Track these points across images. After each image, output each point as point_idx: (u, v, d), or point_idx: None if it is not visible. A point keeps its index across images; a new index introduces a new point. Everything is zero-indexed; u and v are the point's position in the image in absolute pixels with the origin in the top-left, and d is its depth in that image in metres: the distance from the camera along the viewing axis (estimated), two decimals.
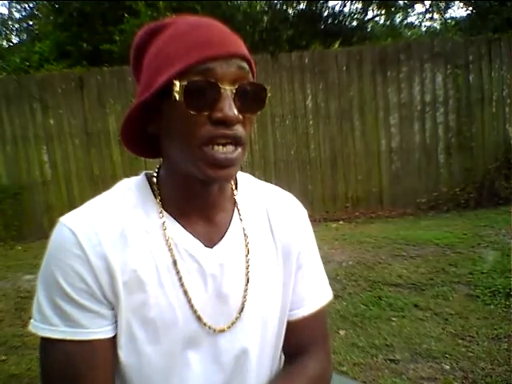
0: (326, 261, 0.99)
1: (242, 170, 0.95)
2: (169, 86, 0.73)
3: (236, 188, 0.94)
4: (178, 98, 0.73)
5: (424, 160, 7.26)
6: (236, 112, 0.73)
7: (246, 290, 0.89)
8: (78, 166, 7.15)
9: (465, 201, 6.94)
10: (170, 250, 0.83)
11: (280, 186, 1.02)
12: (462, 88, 7.12)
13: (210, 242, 0.87)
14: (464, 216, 6.41)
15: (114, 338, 0.82)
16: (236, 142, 0.75)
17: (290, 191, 1.02)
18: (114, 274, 0.79)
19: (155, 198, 0.85)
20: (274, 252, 0.94)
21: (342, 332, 3.22)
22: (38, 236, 6.62)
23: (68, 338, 0.78)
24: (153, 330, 0.82)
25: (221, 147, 0.74)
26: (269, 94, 0.80)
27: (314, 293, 0.99)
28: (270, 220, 0.94)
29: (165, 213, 0.85)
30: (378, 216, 7.00)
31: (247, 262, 0.89)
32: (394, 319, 3.37)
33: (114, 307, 0.81)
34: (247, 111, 0.77)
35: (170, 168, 0.85)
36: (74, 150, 7.13)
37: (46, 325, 0.78)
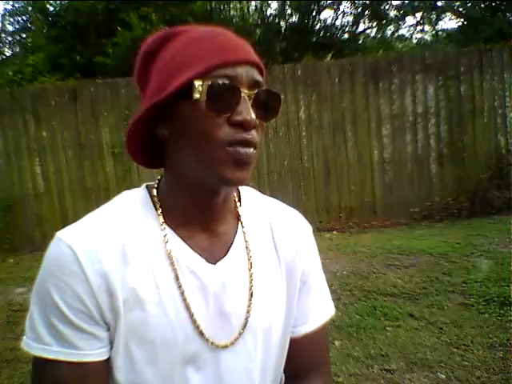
0: None
1: None
2: (186, 87, 0.73)
3: (239, 201, 0.93)
4: (199, 98, 0.73)
5: (416, 170, 7.30)
6: (254, 116, 0.74)
7: (249, 306, 0.86)
8: (71, 178, 7.13)
9: (457, 210, 6.98)
10: (172, 264, 0.81)
11: (273, 197, 1.01)
12: (454, 99, 7.19)
13: (213, 256, 0.85)
14: (457, 225, 6.44)
15: (108, 360, 0.79)
16: (253, 145, 0.76)
17: (283, 202, 1.01)
18: (114, 293, 0.76)
19: (156, 210, 0.83)
20: (278, 267, 0.92)
21: (337, 342, 3.21)
22: (30, 248, 6.58)
23: (61, 358, 0.75)
24: (151, 349, 0.79)
25: (241, 147, 0.75)
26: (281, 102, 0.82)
27: (318, 309, 0.97)
28: (274, 235, 0.93)
29: (166, 226, 0.82)
30: (371, 226, 7.02)
31: (250, 277, 0.87)
32: (389, 329, 3.36)
33: (110, 328, 0.78)
34: (262, 117, 0.78)
35: (174, 177, 0.83)
36: (67, 163, 7.11)
37: (38, 343, 0.76)
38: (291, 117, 7.19)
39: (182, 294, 0.81)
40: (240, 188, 0.95)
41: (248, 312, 0.86)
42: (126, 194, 0.87)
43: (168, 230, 0.82)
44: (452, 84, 7.17)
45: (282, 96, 0.81)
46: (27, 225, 7.09)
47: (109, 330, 0.78)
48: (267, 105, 0.79)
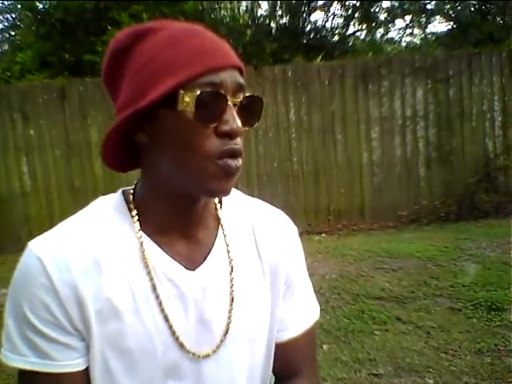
0: (309, 274, 0.96)
1: None
2: (169, 94, 0.70)
3: (220, 204, 0.90)
4: (185, 109, 0.70)
5: (405, 173, 7.33)
6: (240, 124, 0.72)
7: (230, 311, 0.84)
8: (59, 177, 7.04)
9: (445, 214, 7.01)
10: (149, 273, 0.78)
11: (263, 199, 0.98)
12: (443, 102, 7.22)
13: (192, 263, 0.82)
14: (445, 229, 6.48)
15: (87, 369, 0.78)
16: (240, 155, 0.75)
17: (272, 204, 0.98)
18: (84, 303, 0.74)
19: (132, 217, 0.80)
20: (261, 271, 0.90)
21: (325, 346, 3.21)
22: (15, 248, 6.43)
23: (38, 369, 0.74)
24: (129, 360, 0.78)
25: (229, 159, 0.73)
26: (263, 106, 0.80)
27: (303, 313, 0.96)
28: (256, 238, 0.90)
29: (142, 233, 0.80)
30: (359, 229, 7.03)
31: (231, 281, 0.85)
32: (377, 333, 3.37)
33: (85, 338, 0.76)
34: (246, 124, 0.76)
35: (153, 183, 0.80)
36: (55, 162, 7.03)
37: (15, 355, 0.75)
38: (281, 118, 7.18)
39: (160, 303, 0.79)
40: None
41: (229, 318, 0.84)
42: (100, 200, 0.85)
43: (144, 237, 0.80)
44: (441, 87, 7.20)
45: (263, 99, 0.79)
46: (13, 224, 6.99)
47: (84, 339, 0.77)
48: (251, 110, 0.77)
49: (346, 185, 7.29)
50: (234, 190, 0.93)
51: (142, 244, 0.79)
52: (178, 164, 0.74)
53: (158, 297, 0.78)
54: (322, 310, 0.99)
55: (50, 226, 0.80)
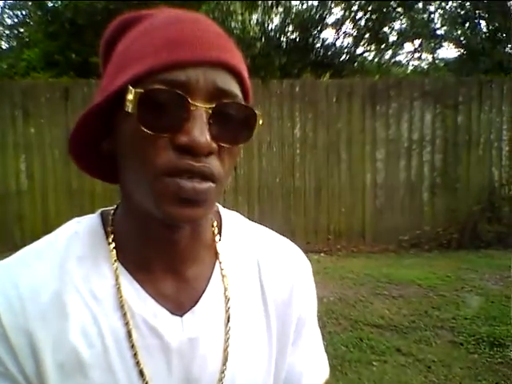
0: None
1: (224, 195, 0.72)
2: (124, 92, 0.55)
3: (220, 233, 0.72)
4: (130, 110, 0.55)
5: (408, 197, 7.22)
6: (209, 138, 0.55)
7: (223, 372, 0.67)
8: (56, 178, 6.92)
9: (447, 241, 6.89)
10: (124, 316, 0.62)
11: (262, 213, 0.82)
12: (450, 128, 7.15)
13: (179, 307, 0.65)
14: (446, 257, 6.35)
15: None
16: (206, 177, 0.57)
17: (272, 219, 0.83)
18: (40, 355, 0.59)
19: (109, 244, 0.65)
20: (264, 319, 0.72)
21: None
22: (8, 247, 6.32)
23: None
24: None
25: (184, 180, 0.56)
26: (260, 122, 0.61)
27: (313, 369, 0.78)
28: (262, 277, 0.73)
29: (120, 266, 0.64)
30: (359, 250, 6.90)
31: (227, 334, 0.67)
32: (375, 363, 3.22)
33: None
34: (226, 140, 0.58)
35: (126, 203, 0.65)
36: (53, 162, 6.91)
37: None
38: (286, 133, 7.09)
39: (135, 355, 0.62)
40: (223, 214, 0.75)
41: (220, 380, 0.66)
42: (72, 223, 0.69)
43: (122, 272, 0.64)
44: (449, 113, 7.13)
45: (257, 112, 0.60)
46: (7, 222, 6.85)
47: None
48: (236, 123, 0.59)
49: (347, 205, 7.18)
50: (233, 214, 0.77)
51: (117, 279, 0.63)
52: (133, 178, 0.60)
53: (132, 346, 0.62)
54: (328, 367, 0.84)
55: (44, 227, 0.66)
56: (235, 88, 0.59)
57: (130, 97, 0.54)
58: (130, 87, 0.54)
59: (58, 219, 0.61)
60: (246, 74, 0.61)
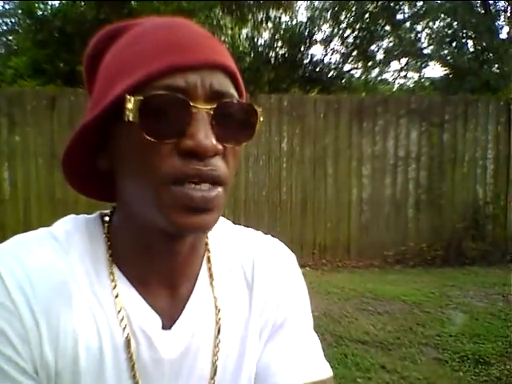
0: None
1: None
2: (121, 102, 0.54)
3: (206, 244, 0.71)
4: (131, 119, 0.54)
5: (393, 213, 7.25)
6: (214, 141, 0.54)
7: None
8: (40, 186, 6.82)
9: (431, 258, 6.91)
10: (122, 320, 0.60)
11: (248, 226, 0.80)
12: (436, 146, 7.21)
13: (170, 319, 0.64)
14: (430, 273, 6.36)
15: None
16: (213, 181, 0.56)
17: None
18: (43, 346, 0.56)
19: (108, 249, 0.63)
20: (255, 328, 0.70)
21: None
22: None
23: None
24: None
25: (192, 185, 0.54)
26: (261, 119, 0.61)
27: (300, 361, 0.71)
28: (248, 280, 0.71)
29: (118, 272, 0.62)
30: (344, 265, 6.89)
31: (216, 346, 0.66)
32: (359, 381, 3.18)
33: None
34: (230, 140, 0.57)
35: (125, 214, 0.63)
36: (37, 171, 6.81)
37: None
38: (273, 147, 7.09)
39: (133, 366, 0.60)
40: None
41: None
42: (71, 218, 0.66)
43: (120, 277, 0.62)
44: (435, 131, 7.20)
45: (258, 109, 0.60)
46: None
47: None
48: (237, 122, 0.58)
49: (333, 219, 7.18)
50: (221, 220, 0.73)
51: (115, 285, 0.61)
52: (136, 190, 0.58)
53: (131, 357, 0.59)
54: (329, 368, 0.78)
55: None
56: (231, 88, 0.59)
57: (130, 105, 0.53)
58: (128, 96, 0.53)
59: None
60: (238, 73, 0.61)
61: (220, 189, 0.57)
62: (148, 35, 0.57)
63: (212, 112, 0.55)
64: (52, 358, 0.56)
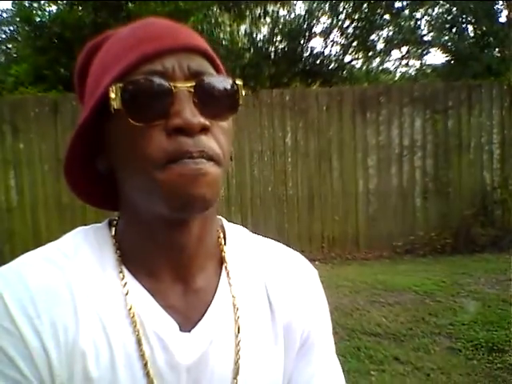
0: None
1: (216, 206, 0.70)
2: (108, 98, 0.57)
3: (224, 242, 0.70)
4: (116, 106, 0.56)
5: (400, 203, 7.22)
6: (199, 116, 0.55)
7: None
8: (47, 193, 6.85)
9: (441, 246, 6.88)
10: (133, 323, 0.59)
11: (256, 223, 0.79)
12: (441, 133, 7.17)
13: (187, 320, 0.63)
14: (441, 262, 6.33)
15: None
16: (204, 156, 0.56)
17: (265, 228, 0.80)
18: (51, 360, 0.56)
19: (115, 253, 0.64)
20: (271, 329, 0.69)
21: None
22: None
23: None
24: None
25: (185, 160, 0.55)
26: (243, 93, 0.61)
27: (327, 378, 0.73)
28: (268, 285, 0.70)
29: (128, 274, 0.62)
30: (354, 258, 6.87)
31: (238, 345, 0.64)
32: (373, 373, 3.18)
33: None
34: (214, 115, 0.58)
35: (128, 211, 0.64)
36: (43, 177, 6.84)
37: None
38: (277, 142, 7.08)
39: (145, 364, 0.59)
40: (227, 227, 0.73)
41: None
42: (80, 230, 0.67)
43: (130, 280, 0.61)
44: (439, 118, 7.15)
45: (238, 82, 0.61)
46: None
47: None
48: (219, 97, 0.59)
49: (340, 212, 7.16)
50: (237, 226, 0.75)
51: (125, 284, 0.61)
52: (134, 182, 0.59)
53: (142, 356, 0.59)
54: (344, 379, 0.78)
55: (35, 243, 0.63)
56: (210, 68, 0.61)
57: (113, 95, 0.56)
58: (110, 87, 0.56)
59: (49, 235, 0.57)
60: (216, 56, 0.63)
61: (213, 164, 0.57)
62: (125, 36, 0.61)
63: (192, 90, 0.56)
64: (65, 374, 0.56)
